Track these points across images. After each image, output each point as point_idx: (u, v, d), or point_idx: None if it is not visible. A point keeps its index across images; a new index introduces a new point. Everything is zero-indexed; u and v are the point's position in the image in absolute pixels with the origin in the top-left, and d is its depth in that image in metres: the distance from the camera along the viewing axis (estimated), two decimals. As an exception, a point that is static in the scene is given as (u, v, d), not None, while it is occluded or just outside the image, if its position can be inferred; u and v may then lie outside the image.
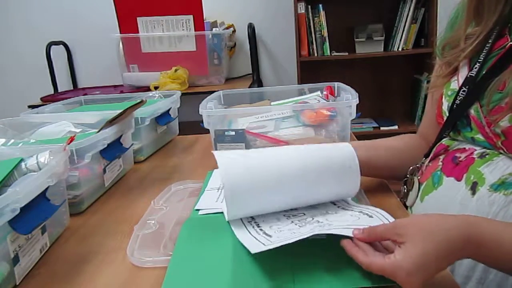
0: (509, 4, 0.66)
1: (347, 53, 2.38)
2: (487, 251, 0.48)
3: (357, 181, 0.65)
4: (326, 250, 0.56)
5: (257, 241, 0.56)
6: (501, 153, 0.62)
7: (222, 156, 0.62)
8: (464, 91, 0.67)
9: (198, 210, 0.73)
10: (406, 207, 0.77)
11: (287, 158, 0.64)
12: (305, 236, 0.52)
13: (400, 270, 0.45)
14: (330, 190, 0.65)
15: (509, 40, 0.65)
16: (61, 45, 2.58)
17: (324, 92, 1.18)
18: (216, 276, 0.53)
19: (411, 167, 0.77)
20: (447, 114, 0.70)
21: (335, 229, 0.54)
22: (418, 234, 0.46)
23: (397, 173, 0.79)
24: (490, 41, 0.67)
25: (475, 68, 0.66)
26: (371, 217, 0.58)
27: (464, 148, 0.67)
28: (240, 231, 0.60)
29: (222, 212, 0.70)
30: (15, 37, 2.63)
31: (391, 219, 0.56)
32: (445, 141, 0.73)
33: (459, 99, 0.67)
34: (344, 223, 0.57)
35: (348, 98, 1.04)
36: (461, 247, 0.47)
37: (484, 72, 0.65)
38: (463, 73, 0.69)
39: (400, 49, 2.35)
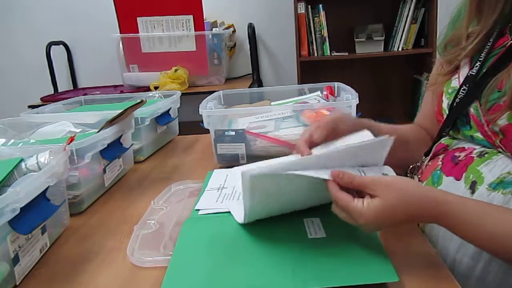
0: (510, 3, 0.66)
1: (347, 53, 2.38)
2: (450, 223, 0.53)
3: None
4: (326, 248, 0.56)
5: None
6: (499, 152, 0.62)
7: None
8: (464, 89, 0.67)
9: (198, 210, 0.73)
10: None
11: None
12: (294, 172, 0.55)
13: (361, 217, 0.52)
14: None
15: (510, 39, 0.65)
16: (61, 45, 2.58)
17: (324, 92, 1.18)
18: (216, 276, 0.53)
19: (411, 166, 0.77)
20: (447, 112, 0.70)
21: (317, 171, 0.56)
22: (388, 193, 0.52)
23: (401, 163, 0.81)
24: (491, 40, 0.67)
25: (476, 66, 0.67)
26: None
27: (463, 147, 0.67)
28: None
29: (222, 212, 0.70)
30: (15, 37, 2.63)
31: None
32: (444, 141, 0.73)
33: (459, 97, 0.67)
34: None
35: (348, 98, 1.04)
36: (420, 212, 0.53)
37: (484, 71, 0.65)
38: (464, 72, 0.69)
39: (400, 49, 2.35)
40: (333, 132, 0.69)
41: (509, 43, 0.64)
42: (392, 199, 0.52)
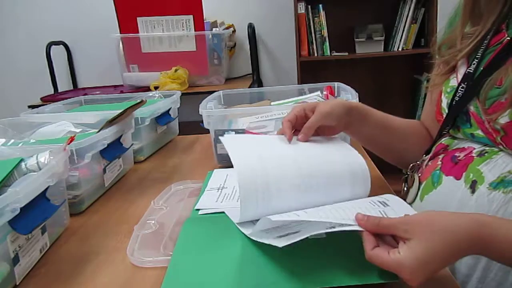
0: (509, 3, 0.66)
1: (347, 53, 2.38)
2: (495, 251, 0.48)
3: (368, 188, 0.66)
4: (327, 248, 0.56)
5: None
6: (500, 150, 0.62)
7: (237, 154, 0.62)
8: (463, 87, 0.67)
9: (198, 210, 0.73)
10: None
11: (301, 162, 0.64)
12: (313, 219, 0.53)
13: (403, 267, 0.45)
14: (343, 193, 0.65)
15: (506, 35, 0.65)
16: (61, 45, 2.58)
17: (324, 92, 1.18)
18: (216, 276, 0.53)
19: (411, 164, 0.77)
20: (447, 111, 0.71)
21: (341, 222, 0.52)
22: (425, 232, 0.46)
23: (400, 157, 0.83)
24: (488, 37, 0.67)
25: (473, 64, 0.67)
26: (386, 205, 0.58)
27: (464, 147, 0.67)
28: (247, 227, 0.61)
29: (222, 212, 0.70)
30: (15, 37, 2.63)
31: (407, 210, 0.55)
32: (444, 141, 0.73)
33: (458, 95, 0.68)
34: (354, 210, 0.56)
35: (348, 98, 1.04)
36: (467, 247, 0.47)
37: (482, 68, 0.65)
38: (461, 70, 0.69)
39: (400, 49, 2.35)
40: (319, 127, 0.71)
41: (505, 40, 0.64)
42: (430, 235, 0.46)
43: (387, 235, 0.50)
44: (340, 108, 0.73)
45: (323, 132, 0.74)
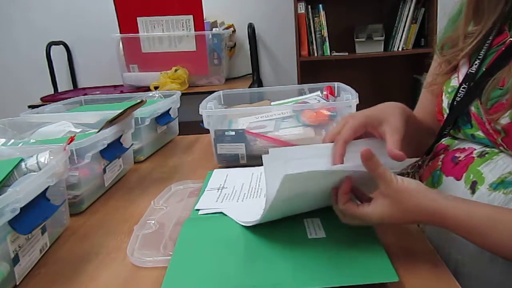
0: (510, 3, 0.66)
1: (347, 53, 2.38)
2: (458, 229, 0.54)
3: None
4: (326, 248, 0.56)
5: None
6: (501, 151, 0.62)
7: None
8: (464, 88, 0.67)
9: (198, 210, 0.73)
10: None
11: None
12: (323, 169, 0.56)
13: (366, 218, 0.56)
14: None
15: (509, 36, 0.64)
16: (61, 45, 2.58)
17: (324, 92, 1.18)
18: (216, 276, 0.53)
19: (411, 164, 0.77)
20: (447, 111, 0.70)
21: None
22: (395, 201, 0.54)
23: (418, 147, 0.80)
24: (490, 38, 0.67)
25: (475, 64, 0.66)
26: None
27: (464, 148, 0.67)
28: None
29: (222, 212, 0.70)
30: (16, 37, 2.63)
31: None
32: (445, 141, 0.73)
33: (459, 96, 0.67)
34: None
35: (348, 98, 1.04)
36: (428, 211, 0.54)
37: (484, 69, 0.65)
38: (463, 70, 0.69)
39: (400, 49, 2.35)
40: (362, 135, 0.65)
41: (508, 40, 0.64)
42: (397, 206, 0.54)
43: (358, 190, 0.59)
44: (404, 122, 0.64)
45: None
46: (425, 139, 0.79)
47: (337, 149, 0.61)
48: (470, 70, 0.67)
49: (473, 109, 0.65)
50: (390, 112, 0.64)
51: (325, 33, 2.36)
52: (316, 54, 2.39)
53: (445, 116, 0.71)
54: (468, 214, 0.53)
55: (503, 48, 0.64)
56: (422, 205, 0.54)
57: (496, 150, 0.63)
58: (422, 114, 0.86)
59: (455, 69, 0.72)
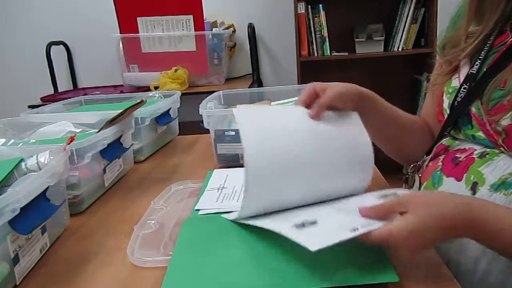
0: (511, 3, 0.66)
1: (347, 53, 2.38)
2: (487, 234, 0.51)
3: (370, 171, 0.67)
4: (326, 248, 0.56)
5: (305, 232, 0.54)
6: (501, 152, 0.62)
7: (248, 130, 0.60)
8: (465, 88, 0.67)
9: (198, 210, 0.73)
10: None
11: (307, 138, 0.64)
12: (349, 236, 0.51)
13: (396, 233, 0.49)
14: (344, 178, 0.66)
15: (510, 36, 0.64)
16: (61, 45, 2.58)
17: (324, 92, 1.18)
18: (216, 276, 0.53)
19: (411, 165, 0.77)
20: (448, 112, 0.70)
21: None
22: (421, 206, 0.50)
23: (406, 153, 0.83)
24: (491, 38, 0.67)
25: (476, 65, 0.66)
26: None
27: (464, 148, 0.67)
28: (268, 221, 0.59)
29: (222, 212, 0.70)
30: (15, 37, 2.63)
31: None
32: (445, 141, 0.72)
33: (460, 96, 0.67)
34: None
35: (348, 98, 1.04)
36: (461, 226, 0.50)
37: (485, 69, 0.65)
38: (464, 71, 0.69)
39: (400, 49, 2.35)
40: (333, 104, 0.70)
41: (509, 41, 0.64)
42: (423, 209, 0.50)
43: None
44: (351, 91, 0.71)
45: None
46: (410, 138, 0.81)
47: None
48: (471, 71, 0.67)
49: (473, 109, 0.65)
50: (337, 83, 0.71)
51: (325, 33, 2.36)
52: (316, 54, 2.39)
53: (446, 116, 0.71)
54: (506, 210, 0.52)
55: (504, 49, 0.64)
56: (454, 199, 0.52)
57: (497, 151, 0.63)
58: (424, 116, 0.86)
59: (456, 69, 0.72)
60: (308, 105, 0.69)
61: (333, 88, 0.69)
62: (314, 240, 0.50)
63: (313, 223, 0.55)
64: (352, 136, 0.68)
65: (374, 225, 0.51)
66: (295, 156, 0.62)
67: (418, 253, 0.52)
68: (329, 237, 0.50)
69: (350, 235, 0.50)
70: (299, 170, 0.62)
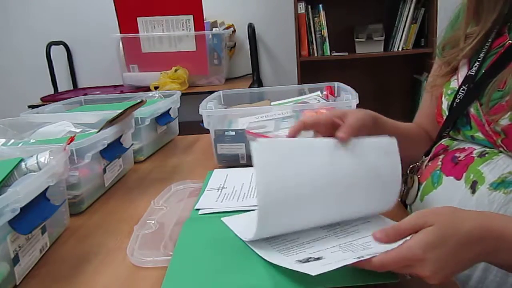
0: (508, 3, 0.66)
1: (347, 53, 2.38)
2: (507, 245, 0.47)
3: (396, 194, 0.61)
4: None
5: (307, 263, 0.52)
6: (501, 152, 0.62)
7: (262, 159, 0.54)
8: (463, 89, 0.67)
9: (198, 210, 0.73)
10: (405, 206, 0.77)
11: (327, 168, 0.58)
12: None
13: (414, 250, 0.43)
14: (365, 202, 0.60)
15: (508, 38, 0.65)
16: (61, 45, 2.58)
17: (324, 92, 1.18)
18: (216, 276, 0.53)
19: (410, 165, 0.77)
20: (447, 113, 0.70)
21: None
22: (440, 220, 0.45)
23: (403, 161, 0.80)
24: (489, 40, 0.67)
25: (475, 67, 0.67)
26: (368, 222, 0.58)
27: (464, 147, 0.67)
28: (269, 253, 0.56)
29: (222, 212, 0.70)
30: (15, 37, 2.63)
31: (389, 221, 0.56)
32: (444, 141, 0.73)
33: (458, 97, 0.67)
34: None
35: (348, 98, 1.04)
36: (480, 237, 0.46)
37: (483, 71, 0.65)
38: (462, 72, 0.69)
39: (400, 49, 2.35)
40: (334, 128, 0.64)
41: (508, 43, 0.64)
42: (447, 221, 0.45)
43: None
44: (369, 121, 0.68)
45: None
46: (407, 145, 0.76)
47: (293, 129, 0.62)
48: (469, 72, 0.67)
49: (472, 110, 0.65)
50: (355, 111, 0.66)
51: (325, 33, 2.36)
52: (316, 54, 2.39)
53: (444, 117, 0.71)
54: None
55: (502, 51, 0.64)
56: (470, 212, 0.48)
57: (496, 150, 0.63)
58: (420, 117, 0.86)
59: (455, 70, 0.72)
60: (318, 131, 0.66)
61: (354, 114, 0.65)
62: (316, 268, 0.48)
63: (318, 258, 0.52)
64: (383, 163, 0.62)
65: (383, 248, 0.47)
66: (311, 180, 0.57)
67: (444, 278, 0.44)
68: (332, 264, 0.48)
69: (353, 260, 0.47)
70: (314, 198, 0.57)
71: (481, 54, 0.66)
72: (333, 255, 0.53)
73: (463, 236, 0.45)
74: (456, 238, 0.44)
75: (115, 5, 2.12)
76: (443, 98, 0.72)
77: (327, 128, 0.64)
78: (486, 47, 0.67)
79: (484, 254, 0.47)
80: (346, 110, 0.67)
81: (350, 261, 0.47)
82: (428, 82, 0.81)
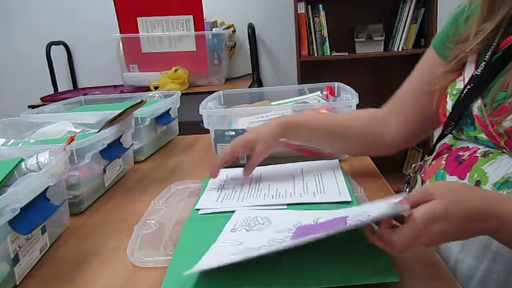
0: None
1: (347, 53, 2.38)
2: (508, 228, 0.49)
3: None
4: (326, 248, 0.56)
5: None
6: (504, 153, 0.62)
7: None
8: (468, 89, 0.67)
9: (198, 210, 0.73)
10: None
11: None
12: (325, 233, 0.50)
13: (420, 219, 0.47)
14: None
15: None
16: (61, 45, 2.58)
17: (324, 92, 1.18)
18: (216, 277, 0.53)
19: (413, 165, 0.77)
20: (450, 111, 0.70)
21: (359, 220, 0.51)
22: (446, 192, 0.49)
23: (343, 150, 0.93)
24: (496, 40, 0.66)
25: (481, 67, 0.66)
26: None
27: (468, 146, 0.67)
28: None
29: (222, 212, 0.70)
30: (15, 37, 2.63)
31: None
32: (448, 140, 0.73)
33: (462, 96, 0.67)
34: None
35: (348, 98, 1.04)
36: (481, 219, 0.49)
37: (488, 70, 0.65)
38: (469, 73, 0.69)
39: (400, 49, 2.35)
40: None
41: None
42: (453, 198, 0.48)
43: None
44: (277, 138, 0.82)
45: None
46: (339, 142, 0.88)
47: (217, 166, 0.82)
48: (475, 72, 0.67)
49: (476, 111, 0.65)
50: (261, 137, 0.81)
51: (325, 33, 2.35)
52: (316, 54, 2.39)
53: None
54: None
55: (508, 50, 0.64)
56: (478, 189, 0.52)
57: (499, 151, 0.63)
58: (400, 96, 0.89)
59: (461, 68, 0.71)
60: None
61: (261, 144, 0.81)
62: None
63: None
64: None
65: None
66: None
67: (440, 242, 0.50)
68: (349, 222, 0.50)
69: (364, 220, 0.50)
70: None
71: (488, 55, 0.66)
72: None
73: (466, 214, 0.48)
74: (459, 214, 0.48)
75: (115, 5, 2.12)
76: (447, 98, 0.72)
77: (244, 150, 0.83)
78: (493, 46, 0.66)
79: (484, 232, 0.51)
80: (256, 137, 0.81)
81: (362, 221, 0.49)
82: (418, 76, 0.83)
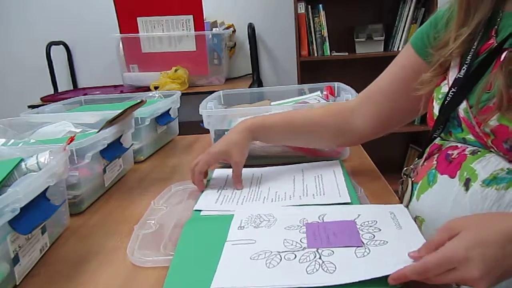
0: (492, 3, 0.67)
1: (347, 53, 2.38)
2: None
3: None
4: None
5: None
6: (491, 151, 0.63)
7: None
8: (453, 92, 0.68)
9: (199, 210, 0.73)
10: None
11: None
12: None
13: (457, 249, 0.43)
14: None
15: (495, 42, 0.66)
16: (61, 45, 2.58)
17: (324, 92, 1.18)
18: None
19: (405, 168, 0.77)
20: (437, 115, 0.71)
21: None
22: (473, 223, 0.46)
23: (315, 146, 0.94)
24: (475, 43, 0.68)
25: (463, 69, 0.68)
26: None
27: (456, 145, 0.68)
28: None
29: (222, 212, 0.70)
30: (15, 37, 2.63)
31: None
32: (438, 141, 0.74)
33: (448, 99, 0.68)
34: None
35: (348, 98, 1.04)
36: None
37: (471, 73, 0.66)
38: (453, 76, 0.70)
39: (400, 49, 2.35)
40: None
41: (494, 46, 0.65)
42: (478, 224, 0.46)
43: None
44: (247, 146, 0.84)
45: None
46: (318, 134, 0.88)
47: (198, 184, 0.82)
48: (458, 75, 0.68)
49: (462, 113, 0.66)
50: (233, 145, 0.82)
51: (325, 33, 2.35)
52: (316, 54, 2.39)
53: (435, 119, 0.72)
54: None
55: (489, 53, 0.65)
56: (504, 213, 0.49)
57: (487, 150, 0.64)
58: (372, 90, 0.85)
59: (444, 71, 0.72)
60: None
61: (236, 155, 0.82)
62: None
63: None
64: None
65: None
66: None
67: (496, 280, 0.43)
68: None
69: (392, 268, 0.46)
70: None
71: (469, 57, 0.68)
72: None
73: (500, 235, 0.45)
74: (494, 237, 0.44)
75: (115, 5, 2.12)
76: (434, 103, 0.73)
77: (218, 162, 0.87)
78: (473, 49, 0.68)
79: None
80: (227, 147, 0.82)
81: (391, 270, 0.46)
82: (419, 80, 0.81)
